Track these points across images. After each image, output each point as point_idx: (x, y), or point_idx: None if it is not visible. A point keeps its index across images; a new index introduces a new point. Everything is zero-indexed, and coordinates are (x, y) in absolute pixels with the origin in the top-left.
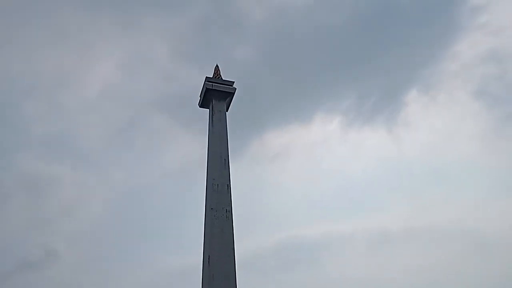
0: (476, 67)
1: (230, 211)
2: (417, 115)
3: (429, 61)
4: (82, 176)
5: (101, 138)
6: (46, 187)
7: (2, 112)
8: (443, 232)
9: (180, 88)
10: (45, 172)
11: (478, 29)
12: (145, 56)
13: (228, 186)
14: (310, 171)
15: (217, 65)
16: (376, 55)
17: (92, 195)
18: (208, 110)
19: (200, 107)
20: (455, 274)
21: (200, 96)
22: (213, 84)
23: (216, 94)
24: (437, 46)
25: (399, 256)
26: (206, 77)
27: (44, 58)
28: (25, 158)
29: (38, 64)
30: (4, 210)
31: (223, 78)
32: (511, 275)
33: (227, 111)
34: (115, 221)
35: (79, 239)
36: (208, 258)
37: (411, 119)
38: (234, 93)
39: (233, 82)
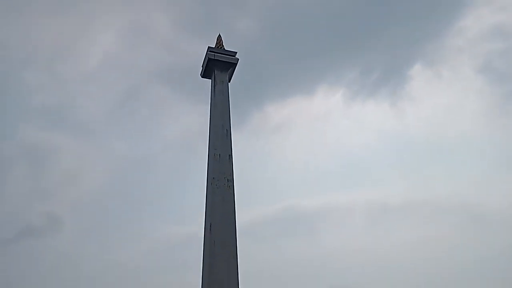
0: (481, 43)
1: (231, 181)
2: (421, 90)
3: (434, 36)
4: (83, 146)
5: (101, 108)
6: (47, 157)
7: (1, 82)
8: (442, 206)
9: (182, 59)
10: (46, 142)
11: (484, 4)
12: (146, 27)
13: (230, 156)
14: (311, 143)
15: (219, 35)
16: (380, 29)
17: (93, 165)
18: (210, 80)
19: (202, 77)
20: (454, 247)
21: (202, 66)
22: (216, 54)
23: (219, 64)
24: (442, 21)
25: (398, 229)
26: (209, 47)
27: (44, 28)
28: (25, 128)
29: (37, 34)
30: (6, 179)
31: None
32: (509, 249)
33: (229, 82)
34: (118, 190)
35: (82, 208)
36: (210, 226)
37: (415, 93)
38: (236, 63)
39: (236, 52)
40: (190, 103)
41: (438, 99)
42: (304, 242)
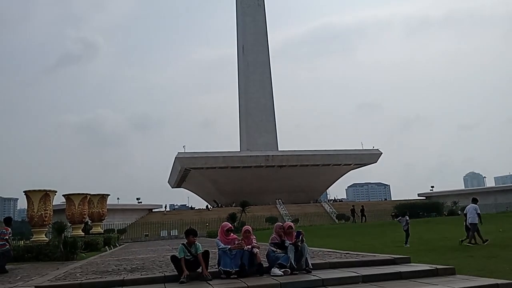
0: None
1: None
2: None
3: None
4: None
5: None
6: None
7: None
8: (485, 17)
9: None
10: None
11: None
12: None
13: None
14: None
15: None
16: None
17: None
18: None
19: None
20: (496, 58)
21: None
22: None
23: None
24: None
25: (437, 43)
26: None
27: None
28: None
29: None
30: (34, 6)
31: None
32: None
33: None
34: (146, 14)
35: (114, 33)
36: (243, 48)
37: None
38: None
39: None
40: None
41: None
42: (338, 60)
